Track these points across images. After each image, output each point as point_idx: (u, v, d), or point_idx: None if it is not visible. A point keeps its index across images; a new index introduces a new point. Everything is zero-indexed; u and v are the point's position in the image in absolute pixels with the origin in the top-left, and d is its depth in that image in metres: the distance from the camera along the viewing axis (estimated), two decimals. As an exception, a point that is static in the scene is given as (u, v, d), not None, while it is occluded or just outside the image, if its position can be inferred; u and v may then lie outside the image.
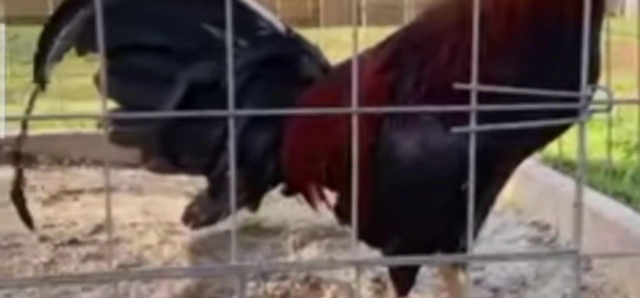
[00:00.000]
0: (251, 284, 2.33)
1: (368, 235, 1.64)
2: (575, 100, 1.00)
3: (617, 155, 3.49)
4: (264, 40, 1.80)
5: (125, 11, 1.76)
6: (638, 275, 2.14)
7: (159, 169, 1.93)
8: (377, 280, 2.32)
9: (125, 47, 1.75)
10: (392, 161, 1.61)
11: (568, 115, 1.10)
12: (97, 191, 3.30)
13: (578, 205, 1.05)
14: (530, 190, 2.92)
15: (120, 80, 1.74)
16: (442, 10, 1.63)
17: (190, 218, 1.94)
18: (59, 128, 4.03)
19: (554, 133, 1.59)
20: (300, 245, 2.66)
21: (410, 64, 1.62)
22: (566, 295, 2.22)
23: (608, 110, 1.02)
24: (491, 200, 1.72)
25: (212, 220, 1.91)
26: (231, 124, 1.00)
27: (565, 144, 2.92)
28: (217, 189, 1.84)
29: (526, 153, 1.66)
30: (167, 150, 1.83)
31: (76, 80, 2.84)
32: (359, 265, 1.10)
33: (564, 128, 1.52)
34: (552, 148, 3.03)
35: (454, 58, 1.53)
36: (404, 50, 1.65)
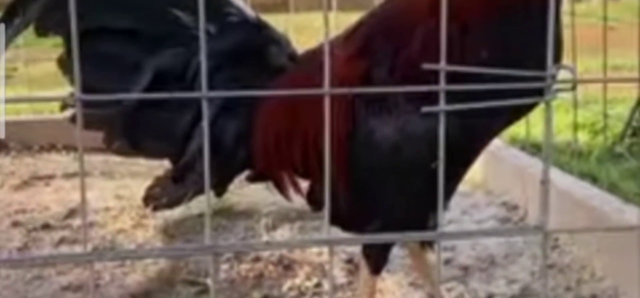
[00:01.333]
0: (224, 266, 2.35)
1: (345, 220, 1.65)
2: (541, 80, 1.03)
3: (583, 137, 3.55)
4: (233, 27, 1.79)
5: None
6: (604, 252, 2.19)
7: (122, 152, 1.90)
8: (349, 260, 2.35)
9: (92, 31, 1.71)
10: (370, 147, 1.63)
11: (535, 94, 1.14)
12: (69, 176, 3.30)
13: (545, 182, 1.08)
14: (499, 171, 2.97)
15: (86, 65, 1.69)
16: None
17: (151, 200, 1.91)
18: (28, 114, 4.01)
19: (521, 112, 1.63)
20: (273, 227, 2.68)
21: (383, 50, 1.63)
22: (534, 272, 2.26)
23: (573, 88, 1.04)
24: (458, 180, 1.74)
25: (174, 203, 1.90)
26: (204, 106, 1.01)
27: (533, 126, 2.97)
28: (182, 176, 1.82)
29: (494, 133, 1.69)
30: (131, 134, 1.80)
31: (44, 66, 2.83)
32: (332, 244, 1.12)
33: (531, 107, 1.55)
34: (520, 130, 3.09)
35: (427, 44, 1.55)
36: (376, 37, 1.66)
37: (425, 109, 1.06)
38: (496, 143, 2.98)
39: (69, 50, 1.74)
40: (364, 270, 1.80)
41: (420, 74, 1.40)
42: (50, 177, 3.34)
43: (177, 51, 1.75)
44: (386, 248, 1.76)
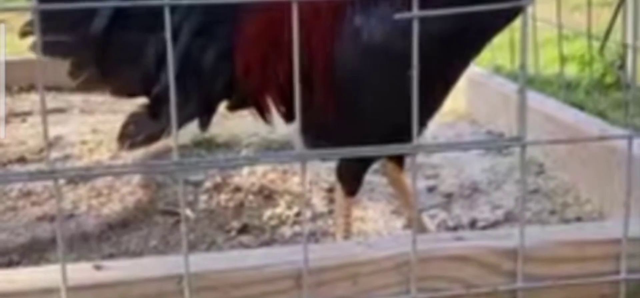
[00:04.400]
0: (204, 197, 2.31)
1: (331, 133, 1.61)
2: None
3: (573, 69, 3.54)
4: None
5: None
6: (589, 177, 2.16)
7: (90, 83, 1.73)
8: (330, 190, 2.32)
9: None
10: (356, 48, 1.56)
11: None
12: (46, 112, 3.23)
13: (521, 91, 1.04)
14: (484, 100, 2.93)
15: None
16: None
17: (126, 137, 1.79)
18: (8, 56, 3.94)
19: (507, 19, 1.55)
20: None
21: None
22: (518, 198, 2.23)
23: None
24: (438, 97, 1.68)
25: (151, 139, 1.78)
26: (167, 12, 0.95)
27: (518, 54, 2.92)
28: (157, 108, 1.72)
29: (472, 45, 1.62)
30: (100, 61, 1.67)
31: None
32: (304, 160, 1.08)
33: (513, 16, 1.51)
34: (505, 59, 3.05)
35: None
36: None
37: (398, 16, 1.02)
38: (480, 71, 2.94)
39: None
40: (339, 193, 1.77)
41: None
42: (27, 113, 3.29)
43: None
44: (360, 169, 1.72)
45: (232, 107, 1.79)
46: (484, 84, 2.91)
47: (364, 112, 1.61)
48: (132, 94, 1.74)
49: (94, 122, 3.09)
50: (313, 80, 1.60)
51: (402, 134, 1.60)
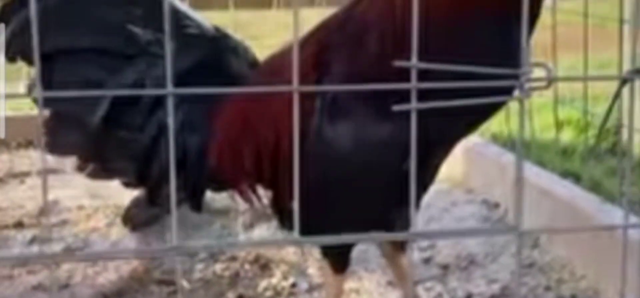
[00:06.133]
0: (200, 266, 2.31)
1: (307, 226, 1.62)
2: (515, 78, 0.99)
3: (568, 134, 3.53)
4: (192, 42, 1.76)
5: (56, 15, 1.71)
6: (585, 252, 2.16)
7: (96, 176, 1.85)
8: (326, 259, 2.31)
9: (52, 53, 1.68)
10: (328, 150, 1.59)
11: (509, 92, 1.10)
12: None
13: (518, 181, 1.05)
14: (480, 168, 2.93)
15: (50, 89, 1.67)
16: None
17: (129, 220, 2.00)
18: (7, 111, 3.95)
19: (494, 110, 1.58)
20: (250, 225, 2.64)
21: (341, 55, 1.60)
22: (514, 272, 2.23)
23: (547, 87, 1.02)
24: (431, 179, 1.69)
25: (151, 221, 1.96)
26: (170, 103, 0.97)
27: (515, 122, 2.93)
28: (153, 196, 1.80)
29: (463, 134, 1.64)
30: (98, 156, 1.79)
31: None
32: (302, 244, 1.09)
33: (502, 104, 1.53)
34: (502, 128, 3.06)
35: (388, 47, 1.52)
36: (333, 41, 1.63)
37: (397, 107, 1.01)
38: (477, 140, 2.95)
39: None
40: (327, 271, 1.77)
41: (380, 77, 1.41)
42: (26, 174, 3.29)
43: (137, 68, 1.73)
44: (346, 250, 1.72)
45: (218, 191, 1.88)
46: (481, 153, 2.92)
47: (339, 207, 1.64)
48: (131, 185, 1.86)
49: (91, 186, 3.07)
50: (284, 175, 1.63)
51: (385, 219, 1.62)
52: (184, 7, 1.81)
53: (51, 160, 3.34)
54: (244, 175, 1.74)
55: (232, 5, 3.96)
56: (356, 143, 1.57)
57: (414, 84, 0.98)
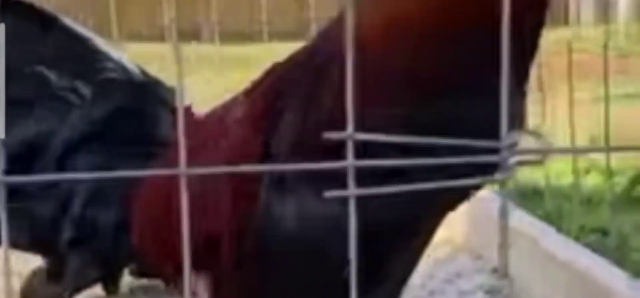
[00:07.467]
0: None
1: None
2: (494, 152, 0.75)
3: (592, 180, 3.16)
4: (111, 86, 1.52)
5: None
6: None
7: (15, 246, 1.58)
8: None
9: None
10: (270, 235, 1.32)
11: (486, 171, 0.77)
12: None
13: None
14: (487, 230, 2.53)
15: None
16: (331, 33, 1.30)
17: (29, 293, 1.77)
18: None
19: (466, 192, 1.24)
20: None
21: (291, 111, 1.31)
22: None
23: (541, 162, 0.78)
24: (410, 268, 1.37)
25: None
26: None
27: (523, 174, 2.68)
28: (57, 271, 1.60)
29: (439, 216, 1.31)
30: (10, 228, 1.53)
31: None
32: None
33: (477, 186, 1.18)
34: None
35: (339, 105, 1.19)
36: (283, 94, 1.34)
37: (330, 194, 0.73)
38: (481, 194, 2.53)
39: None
40: None
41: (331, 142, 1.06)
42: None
43: (42, 114, 1.51)
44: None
45: (137, 274, 1.79)
46: (486, 209, 2.48)
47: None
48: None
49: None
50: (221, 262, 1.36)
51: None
52: (105, 47, 1.56)
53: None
54: (170, 260, 1.46)
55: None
56: (301, 226, 1.29)
57: (350, 162, 0.71)
